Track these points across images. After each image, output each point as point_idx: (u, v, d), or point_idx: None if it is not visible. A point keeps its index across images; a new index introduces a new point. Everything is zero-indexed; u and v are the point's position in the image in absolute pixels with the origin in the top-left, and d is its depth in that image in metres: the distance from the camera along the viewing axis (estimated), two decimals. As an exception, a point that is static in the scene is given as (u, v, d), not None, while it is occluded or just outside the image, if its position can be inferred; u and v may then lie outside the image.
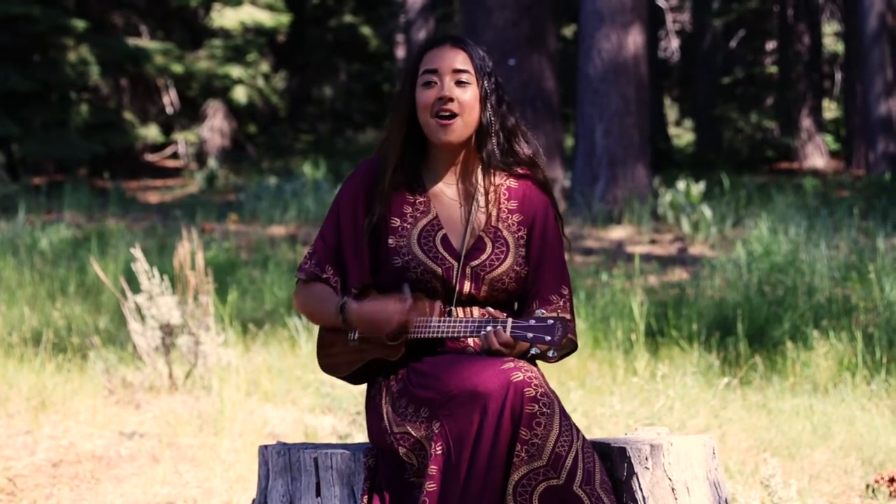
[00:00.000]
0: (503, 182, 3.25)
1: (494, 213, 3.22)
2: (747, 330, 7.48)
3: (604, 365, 7.10)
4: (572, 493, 2.83)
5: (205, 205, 15.86)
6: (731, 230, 12.64)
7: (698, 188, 13.90)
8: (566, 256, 3.29)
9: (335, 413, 6.04)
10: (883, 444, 5.55)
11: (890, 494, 4.95)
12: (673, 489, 3.01)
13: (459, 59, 3.20)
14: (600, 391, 6.34)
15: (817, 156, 23.37)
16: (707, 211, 12.86)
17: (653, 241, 12.62)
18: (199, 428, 5.82)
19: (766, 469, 4.20)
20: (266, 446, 3.15)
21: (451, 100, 3.17)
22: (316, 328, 6.89)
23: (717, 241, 12.12)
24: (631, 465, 3.00)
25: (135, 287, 6.87)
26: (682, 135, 29.69)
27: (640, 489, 2.99)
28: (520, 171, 3.27)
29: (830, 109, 27.95)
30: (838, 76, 26.81)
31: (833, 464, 5.37)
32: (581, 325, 7.86)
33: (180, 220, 13.53)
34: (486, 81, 3.21)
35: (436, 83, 3.18)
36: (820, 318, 7.70)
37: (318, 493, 3.05)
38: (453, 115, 3.17)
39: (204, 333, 6.35)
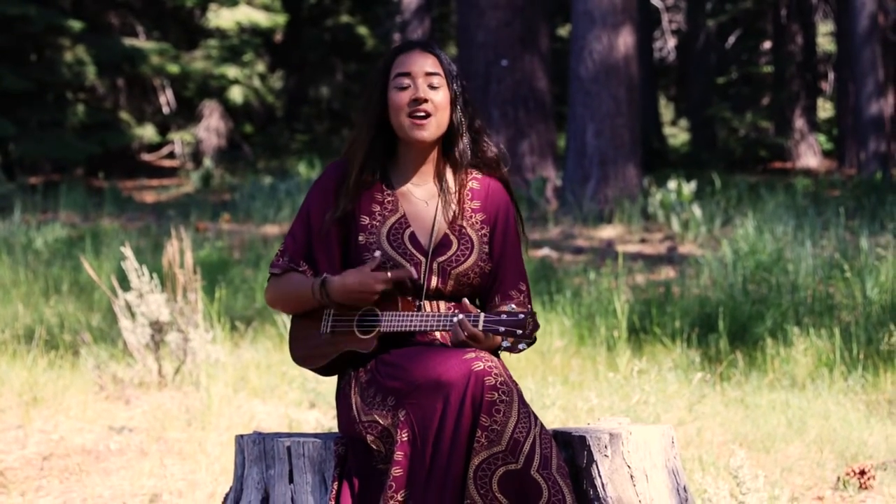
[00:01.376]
0: (467, 182, 3.38)
1: (459, 212, 3.36)
2: (729, 327, 7.60)
3: (587, 361, 7.23)
4: (530, 478, 2.97)
5: (200, 204, 15.98)
6: (720, 229, 12.76)
7: (689, 188, 14.03)
8: (524, 255, 3.43)
9: (320, 407, 6.16)
10: (856, 437, 5.67)
11: (860, 486, 5.07)
12: (632, 476, 3.14)
13: (430, 63, 3.35)
14: (581, 386, 6.46)
15: (810, 155, 23.50)
16: (697, 210, 12.98)
17: (643, 241, 12.74)
18: (187, 423, 5.95)
19: (734, 460, 4.32)
20: (242, 436, 3.28)
21: (426, 101, 3.32)
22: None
23: (706, 240, 12.24)
24: (591, 453, 3.13)
25: (126, 285, 6.99)
26: (678, 134, 29.81)
27: (600, 476, 3.12)
28: (483, 170, 3.40)
29: (825, 109, 28.08)
30: (832, 76, 26.93)
31: (806, 457, 5.49)
32: (566, 322, 7.99)
33: (175, 220, 13.65)
34: (454, 84, 3.35)
35: (409, 86, 3.32)
36: (802, 316, 7.82)
37: (290, 480, 3.19)
38: (427, 116, 3.31)
39: (192, 330, 6.48)
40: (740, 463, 4.34)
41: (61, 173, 20.23)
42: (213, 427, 5.80)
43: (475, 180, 3.41)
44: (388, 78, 3.35)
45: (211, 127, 22.92)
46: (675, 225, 13.09)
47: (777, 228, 10.55)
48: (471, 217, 3.37)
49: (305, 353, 3.33)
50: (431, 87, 3.33)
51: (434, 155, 3.39)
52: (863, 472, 5.12)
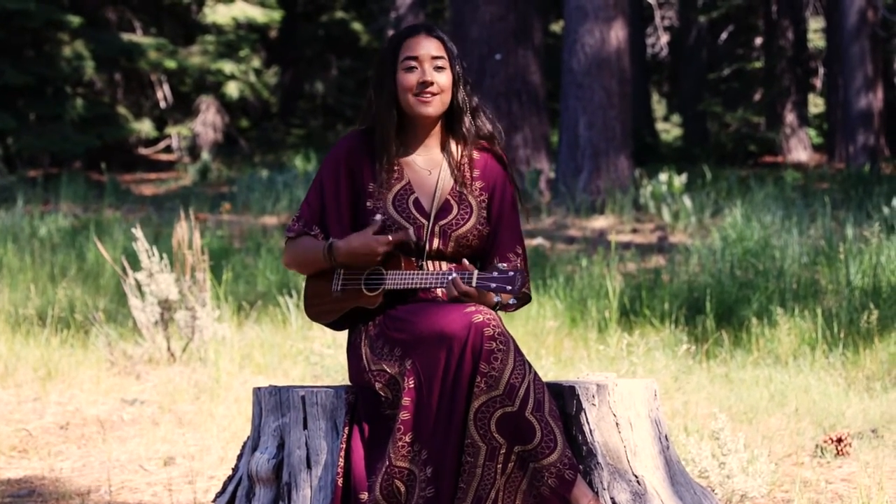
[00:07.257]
0: (468, 154, 3.67)
1: (460, 179, 3.66)
2: (716, 309, 7.86)
3: (578, 342, 7.50)
4: (524, 419, 3.25)
5: (198, 196, 16.23)
6: (710, 219, 13.02)
7: (680, 180, 14.30)
8: (521, 222, 3.72)
9: (323, 381, 6.43)
10: (834, 409, 5.94)
11: (837, 453, 5.34)
12: (617, 424, 3.41)
13: (435, 47, 3.64)
14: (572, 362, 6.73)
15: (801, 149, 23.77)
16: (687, 201, 13.24)
17: (634, 230, 13.00)
18: (195, 396, 6.22)
19: (715, 423, 4.59)
20: (259, 388, 3.55)
21: (432, 83, 3.60)
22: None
23: (696, 230, 12.50)
24: (580, 402, 3.41)
25: (134, 267, 7.25)
26: (671, 130, 30.08)
27: (588, 423, 3.40)
28: (482, 144, 3.69)
29: (815, 104, 28.36)
30: (822, 71, 27.22)
31: (787, 427, 5.76)
32: (559, 305, 8.25)
33: (175, 210, 13.90)
34: (457, 65, 3.63)
35: (416, 68, 3.61)
36: (787, 300, 8.09)
37: (304, 427, 3.46)
38: (433, 94, 3.59)
39: (200, 308, 6.74)
40: (721, 425, 4.62)
41: (60, 166, 20.45)
42: (220, 400, 6.07)
43: (476, 151, 3.69)
44: (398, 60, 3.62)
45: (207, 121, 23.15)
46: (666, 215, 13.36)
47: (765, 218, 10.82)
48: (471, 184, 3.67)
49: (319, 310, 3.62)
50: (437, 68, 3.62)
51: (437, 129, 3.68)
52: (840, 440, 5.38)
